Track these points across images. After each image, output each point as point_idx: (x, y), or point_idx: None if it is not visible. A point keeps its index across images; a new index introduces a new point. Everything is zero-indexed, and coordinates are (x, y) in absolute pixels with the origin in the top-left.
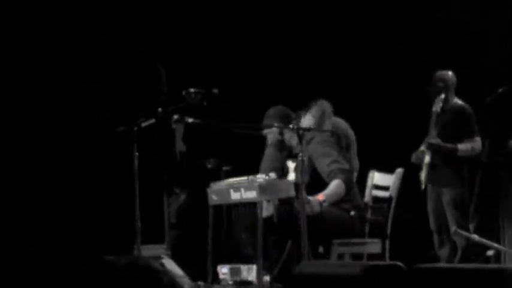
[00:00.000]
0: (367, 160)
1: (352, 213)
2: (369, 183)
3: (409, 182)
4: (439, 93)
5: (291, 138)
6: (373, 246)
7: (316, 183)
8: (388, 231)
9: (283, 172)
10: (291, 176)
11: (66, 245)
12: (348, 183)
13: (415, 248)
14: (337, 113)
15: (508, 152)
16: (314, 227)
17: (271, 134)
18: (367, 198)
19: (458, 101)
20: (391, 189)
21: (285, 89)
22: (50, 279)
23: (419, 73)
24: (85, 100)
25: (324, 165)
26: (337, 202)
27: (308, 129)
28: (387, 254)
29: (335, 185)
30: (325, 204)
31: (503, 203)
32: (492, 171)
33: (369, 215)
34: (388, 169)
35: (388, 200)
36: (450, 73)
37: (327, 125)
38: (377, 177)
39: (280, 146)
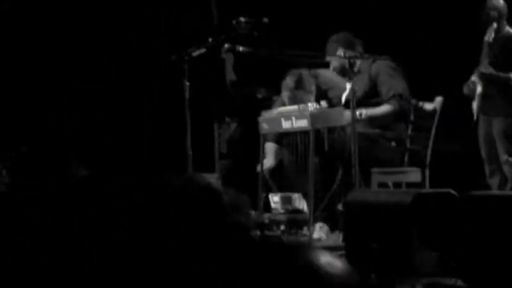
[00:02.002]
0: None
1: (393, 144)
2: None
3: (459, 112)
4: (491, 22)
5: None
6: (413, 175)
7: None
8: (428, 160)
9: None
10: (345, 95)
11: (117, 173)
12: (399, 112)
13: (465, 177)
14: (386, 41)
15: None
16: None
17: (334, 60)
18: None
19: (509, 30)
20: (431, 117)
21: (339, 18)
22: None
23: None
24: (138, 29)
25: (386, 84)
26: (381, 129)
27: (361, 57)
28: (427, 183)
29: (384, 109)
30: (362, 117)
31: None
32: None
33: (408, 143)
34: (431, 99)
35: (428, 128)
36: (502, 1)
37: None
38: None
39: (343, 71)
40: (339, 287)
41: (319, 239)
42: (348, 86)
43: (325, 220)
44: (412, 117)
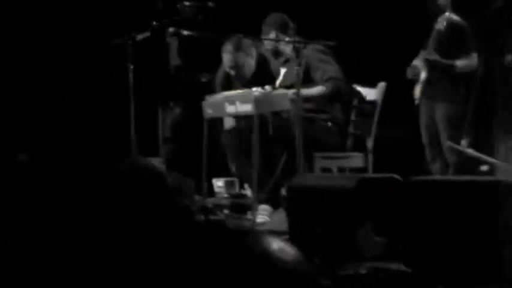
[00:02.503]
0: (351, 75)
1: (329, 124)
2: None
3: (400, 97)
4: (439, 10)
5: (286, 47)
6: (356, 160)
7: None
8: (371, 145)
9: (274, 78)
10: (279, 80)
11: (61, 157)
12: (333, 94)
13: (407, 162)
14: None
15: (504, 67)
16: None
17: (267, 43)
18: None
19: (453, 17)
20: (373, 103)
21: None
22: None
23: None
24: (80, 11)
25: (320, 69)
26: (316, 112)
27: (304, 42)
28: (370, 168)
29: (319, 89)
30: (296, 98)
31: (498, 118)
32: (487, 86)
33: (351, 129)
34: (373, 84)
35: (371, 113)
36: None
37: None
38: (362, 91)
39: (276, 53)
40: (290, 272)
41: (263, 223)
42: (282, 70)
43: (267, 202)
44: (355, 102)
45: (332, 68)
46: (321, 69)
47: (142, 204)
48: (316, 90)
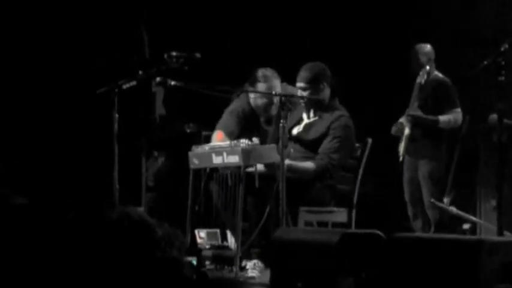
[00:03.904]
0: None
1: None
2: None
3: (385, 153)
4: (421, 67)
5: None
6: (340, 215)
7: None
8: (355, 201)
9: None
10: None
11: (42, 208)
12: (318, 173)
13: (388, 219)
14: None
15: (488, 126)
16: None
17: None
18: None
19: (438, 74)
20: (358, 158)
21: (268, 53)
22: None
23: (400, 44)
24: (67, 60)
25: (327, 145)
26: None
27: (291, 96)
28: (353, 224)
29: (307, 166)
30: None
31: (481, 177)
32: (471, 145)
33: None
34: (360, 139)
35: (355, 169)
36: (429, 46)
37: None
38: None
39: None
40: None
41: (252, 277)
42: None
43: (259, 257)
44: None
45: (339, 152)
46: (330, 144)
47: (131, 255)
48: (304, 165)
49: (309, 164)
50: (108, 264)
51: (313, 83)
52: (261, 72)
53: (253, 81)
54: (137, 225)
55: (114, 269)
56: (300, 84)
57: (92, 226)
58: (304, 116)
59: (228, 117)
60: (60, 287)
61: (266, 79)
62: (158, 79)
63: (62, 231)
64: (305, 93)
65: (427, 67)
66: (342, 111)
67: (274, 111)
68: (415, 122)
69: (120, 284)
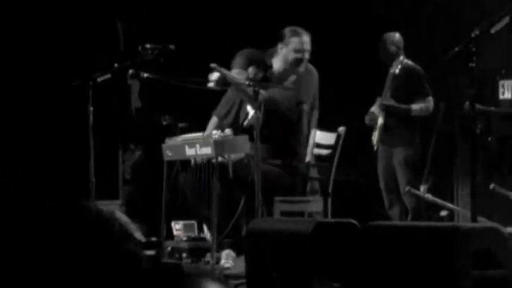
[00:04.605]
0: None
1: (286, 168)
2: (311, 141)
3: (359, 142)
4: (390, 56)
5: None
6: (315, 204)
7: None
8: (330, 190)
9: (238, 116)
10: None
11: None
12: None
13: (364, 207)
14: None
15: (463, 114)
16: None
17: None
18: (309, 156)
19: (408, 62)
20: (333, 147)
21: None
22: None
23: (371, 33)
24: (42, 53)
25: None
26: (273, 157)
27: (264, 86)
28: (329, 213)
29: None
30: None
31: (457, 164)
32: (447, 133)
33: (310, 173)
34: (331, 129)
35: (330, 158)
36: (398, 35)
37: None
38: (319, 136)
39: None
40: None
41: (227, 268)
42: (251, 111)
43: (231, 247)
44: (314, 147)
45: (290, 91)
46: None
47: (86, 250)
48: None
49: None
50: (62, 259)
51: (243, 67)
52: (291, 28)
53: (286, 37)
54: (93, 220)
55: (69, 264)
56: (233, 70)
57: (47, 223)
58: (249, 107)
59: (222, 102)
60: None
61: (298, 34)
62: (131, 71)
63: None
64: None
65: (401, 57)
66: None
67: (302, 68)
68: (388, 111)
69: (76, 279)
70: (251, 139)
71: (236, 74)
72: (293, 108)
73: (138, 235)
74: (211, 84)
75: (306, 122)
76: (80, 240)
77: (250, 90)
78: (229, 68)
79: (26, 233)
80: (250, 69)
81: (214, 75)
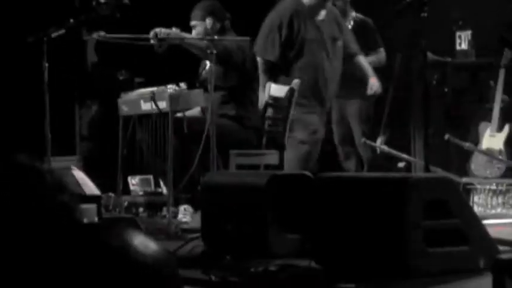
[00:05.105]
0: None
1: (238, 120)
2: (266, 94)
3: None
4: (343, 11)
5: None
6: (271, 157)
7: None
8: (285, 143)
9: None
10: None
11: None
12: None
13: (320, 160)
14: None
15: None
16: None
17: (199, 26)
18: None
19: (358, 15)
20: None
21: None
22: None
23: None
24: None
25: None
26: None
27: (220, 39)
28: (285, 166)
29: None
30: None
31: (413, 116)
32: (404, 84)
33: (266, 126)
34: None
35: (285, 111)
36: None
37: None
38: (274, 89)
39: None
40: (150, 266)
41: (185, 222)
42: (208, 64)
43: (189, 202)
44: (269, 100)
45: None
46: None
47: (18, 203)
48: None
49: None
50: None
51: (200, 19)
52: None
53: None
54: (24, 172)
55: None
56: (191, 23)
57: None
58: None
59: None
60: None
61: None
62: (85, 32)
63: None
64: (195, 31)
65: (353, 12)
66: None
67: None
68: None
69: (8, 234)
70: (206, 92)
71: (195, 25)
72: (247, 59)
73: (95, 190)
74: (152, 42)
75: (264, 74)
76: (10, 191)
77: (202, 43)
78: (188, 20)
79: None
80: (208, 21)
81: (152, 34)
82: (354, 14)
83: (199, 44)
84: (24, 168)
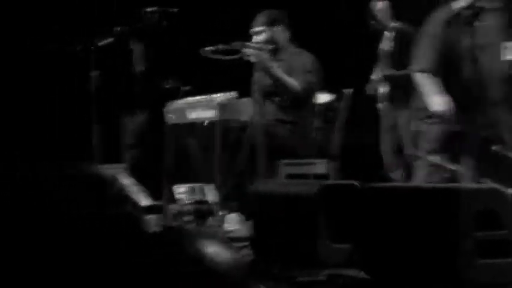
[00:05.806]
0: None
1: (293, 129)
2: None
3: (362, 105)
4: (379, 23)
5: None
6: (320, 166)
7: None
8: (335, 152)
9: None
10: None
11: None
12: (301, 95)
13: (367, 169)
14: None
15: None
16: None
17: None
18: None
19: (399, 26)
20: (338, 110)
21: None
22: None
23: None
24: (42, 18)
25: (301, 69)
26: (281, 121)
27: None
28: (334, 175)
29: (293, 82)
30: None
31: None
32: None
33: (316, 135)
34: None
35: (333, 120)
36: (380, 2)
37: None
38: (323, 99)
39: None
40: (224, 274)
41: (230, 231)
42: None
43: (237, 210)
44: (320, 109)
45: (312, 75)
46: (304, 69)
47: (84, 210)
48: (290, 80)
49: (294, 81)
50: (59, 220)
51: (269, 25)
52: None
53: None
54: (91, 182)
55: (67, 226)
56: (255, 29)
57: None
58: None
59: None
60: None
61: None
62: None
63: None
64: (259, 38)
65: (393, 24)
66: (301, 50)
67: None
68: (390, 81)
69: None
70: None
71: (260, 32)
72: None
73: (145, 198)
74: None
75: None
76: (77, 201)
77: (294, 84)
78: (248, 29)
79: (27, 195)
80: (276, 28)
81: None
82: (396, 25)
83: (291, 84)
84: (90, 178)
